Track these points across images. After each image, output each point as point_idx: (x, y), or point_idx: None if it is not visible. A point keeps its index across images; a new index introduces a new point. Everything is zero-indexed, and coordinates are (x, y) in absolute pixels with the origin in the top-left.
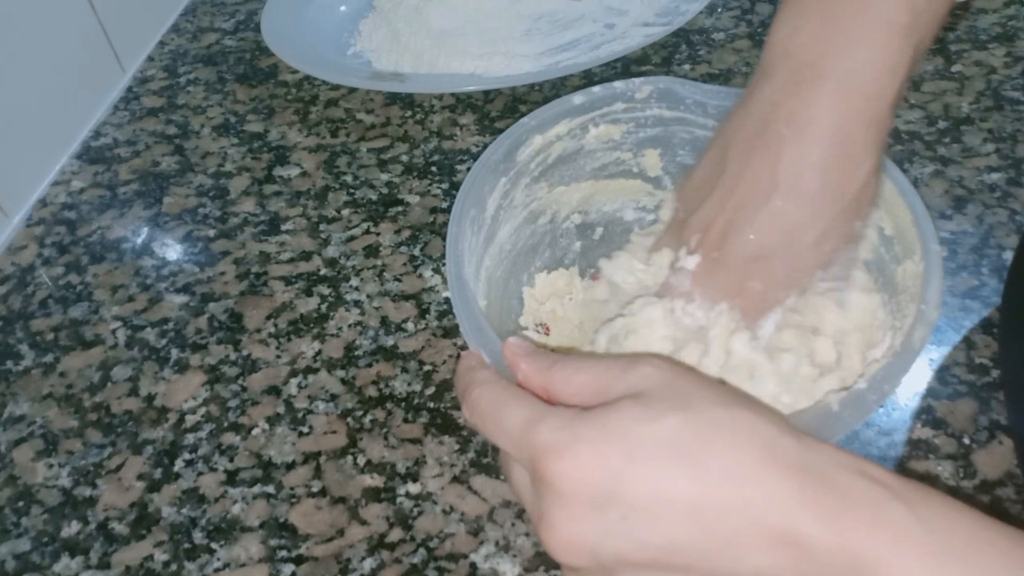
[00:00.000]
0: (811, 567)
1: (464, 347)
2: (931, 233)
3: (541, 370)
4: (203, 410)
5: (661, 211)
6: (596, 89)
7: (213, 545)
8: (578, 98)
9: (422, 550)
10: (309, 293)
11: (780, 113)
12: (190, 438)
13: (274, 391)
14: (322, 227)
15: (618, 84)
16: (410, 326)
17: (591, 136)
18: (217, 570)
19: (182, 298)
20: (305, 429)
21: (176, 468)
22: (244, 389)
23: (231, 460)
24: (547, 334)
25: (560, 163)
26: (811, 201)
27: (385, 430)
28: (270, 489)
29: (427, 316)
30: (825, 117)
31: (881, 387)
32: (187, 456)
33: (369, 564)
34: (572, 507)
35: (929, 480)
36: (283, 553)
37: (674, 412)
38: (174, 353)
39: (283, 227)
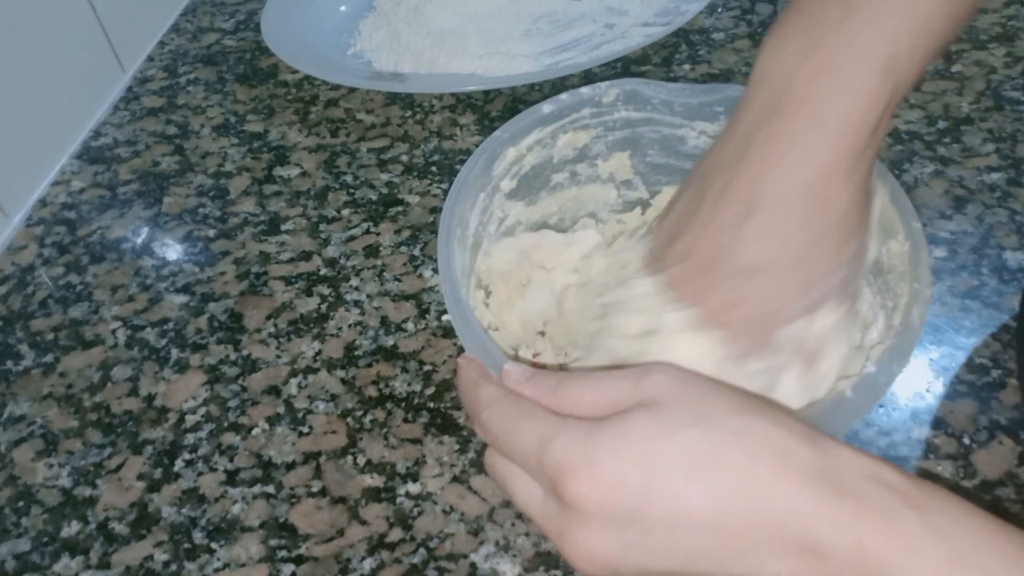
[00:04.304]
0: (828, 574)
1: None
2: (910, 211)
3: (547, 395)
4: (203, 410)
5: (629, 224)
6: (563, 96)
7: (213, 545)
8: (547, 107)
9: (422, 550)
10: (309, 293)
11: (757, 137)
12: (190, 438)
13: (274, 391)
14: (322, 227)
15: (585, 90)
16: (410, 326)
17: (561, 144)
18: (217, 570)
19: (182, 298)
20: (305, 429)
21: (176, 468)
22: (244, 389)
23: (231, 460)
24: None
25: (534, 173)
26: (792, 221)
27: (385, 430)
28: (270, 489)
29: (427, 316)
30: (802, 143)
31: (889, 368)
32: (187, 456)
33: (369, 564)
34: (593, 526)
35: (929, 480)
36: (283, 553)
37: (689, 426)
38: (174, 353)
39: (283, 227)
